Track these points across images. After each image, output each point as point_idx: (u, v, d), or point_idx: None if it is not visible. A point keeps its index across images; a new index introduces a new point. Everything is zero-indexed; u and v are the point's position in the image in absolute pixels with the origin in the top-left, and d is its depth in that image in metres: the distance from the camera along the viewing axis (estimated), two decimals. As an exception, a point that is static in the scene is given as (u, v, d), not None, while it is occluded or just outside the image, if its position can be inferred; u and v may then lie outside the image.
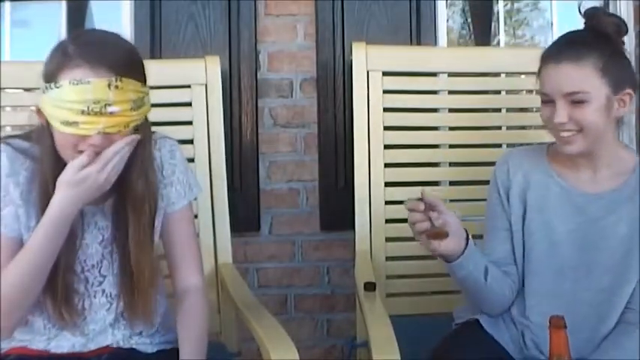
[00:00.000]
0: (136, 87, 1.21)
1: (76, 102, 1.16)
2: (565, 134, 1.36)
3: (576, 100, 1.34)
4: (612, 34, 1.38)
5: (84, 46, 1.20)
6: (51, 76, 1.19)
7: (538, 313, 1.40)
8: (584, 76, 1.34)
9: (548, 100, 1.38)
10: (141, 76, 1.24)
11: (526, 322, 1.43)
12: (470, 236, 1.39)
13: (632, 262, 1.40)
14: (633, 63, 2.20)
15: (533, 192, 1.46)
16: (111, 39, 1.26)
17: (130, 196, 1.29)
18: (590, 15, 1.42)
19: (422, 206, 1.30)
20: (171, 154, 1.38)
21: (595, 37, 1.38)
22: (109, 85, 1.16)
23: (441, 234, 1.32)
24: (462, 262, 1.38)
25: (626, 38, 1.42)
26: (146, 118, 1.30)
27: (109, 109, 1.16)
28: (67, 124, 1.17)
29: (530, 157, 1.50)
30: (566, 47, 1.38)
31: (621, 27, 1.40)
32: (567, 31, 1.46)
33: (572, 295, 1.41)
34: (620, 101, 1.38)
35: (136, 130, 1.24)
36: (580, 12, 1.43)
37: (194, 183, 1.43)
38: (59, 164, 1.22)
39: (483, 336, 1.44)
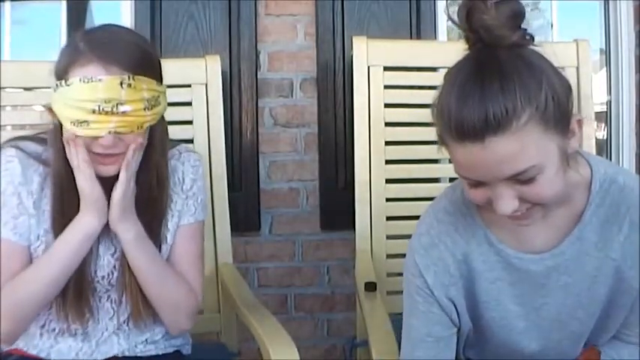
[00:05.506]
0: (150, 85, 1.16)
1: (87, 101, 1.11)
2: (515, 214, 0.96)
3: (524, 179, 0.92)
4: (508, 33, 0.98)
5: (95, 42, 1.15)
6: (62, 73, 1.14)
7: None
8: (524, 145, 0.89)
9: (476, 184, 0.96)
10: (156, 74, 1.19)
11: None
12: None
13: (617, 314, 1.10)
14: (633, 63, 2.21)
15: (481, 284, 1.10)
16: (124, 35, 1.21)
17: (142, 199, 1.24)
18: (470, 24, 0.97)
19: None
20: (194, 169, 1.34)
21: (499, 68, 0.91)
22: (121, 84, 1.12)
23: None
24: None
25: (625, 35, 1.13)
26: (162, 118, 1.25)
27: (121, 108, 1.12)
28: (78, 123, 1.12)
29: (461, 223, 1.09)
30: (477, 110, 0.88)
31: (518, 15, 0.99)
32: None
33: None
34: (571, 135, 0.95)
35: (151, 130, 1.20)
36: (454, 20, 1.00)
37: (204, 206, 1.37)
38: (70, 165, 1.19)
39: None
